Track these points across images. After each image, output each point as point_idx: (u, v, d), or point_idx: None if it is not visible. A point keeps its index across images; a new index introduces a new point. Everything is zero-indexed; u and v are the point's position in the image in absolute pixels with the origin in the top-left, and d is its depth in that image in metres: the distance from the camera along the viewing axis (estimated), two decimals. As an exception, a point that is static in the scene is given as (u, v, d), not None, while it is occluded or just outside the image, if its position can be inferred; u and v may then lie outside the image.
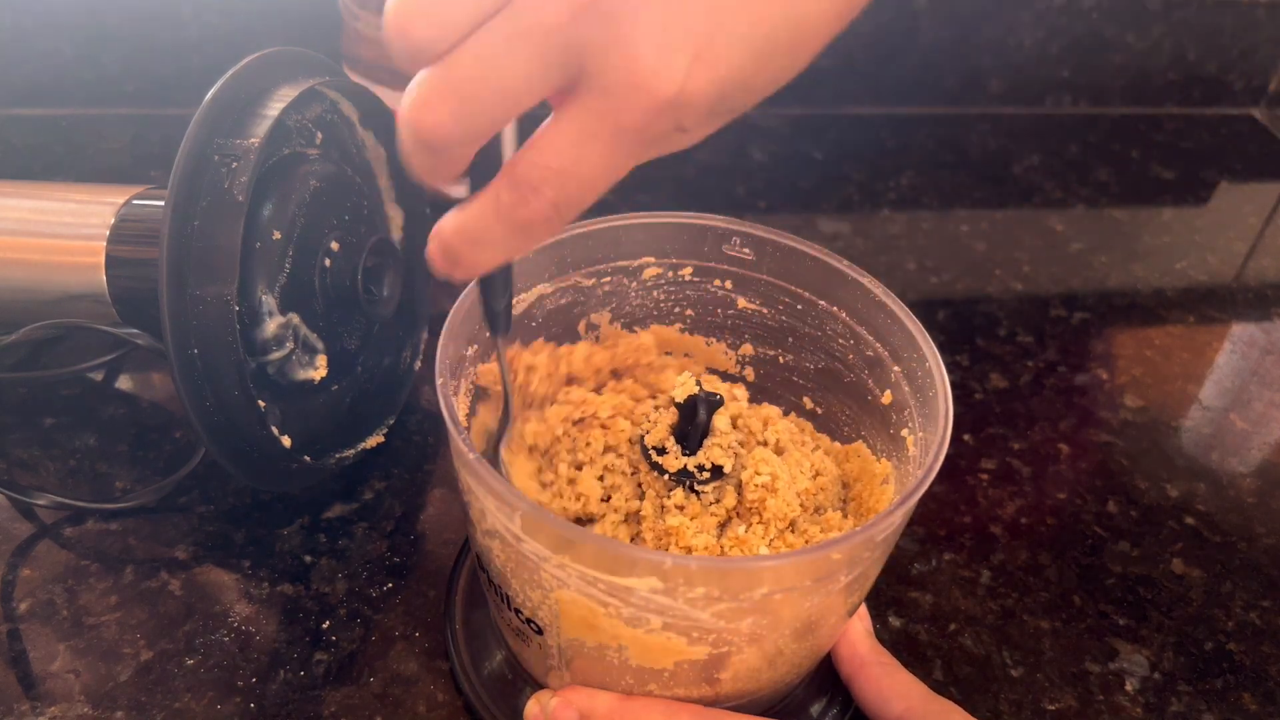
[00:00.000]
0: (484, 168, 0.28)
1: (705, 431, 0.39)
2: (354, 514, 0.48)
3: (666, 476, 0.39)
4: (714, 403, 0.38)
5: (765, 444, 0.41)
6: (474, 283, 0.35)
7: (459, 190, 0.29)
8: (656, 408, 0.41)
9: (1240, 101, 0.94)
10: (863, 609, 0.42)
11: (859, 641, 0.40)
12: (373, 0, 0.64)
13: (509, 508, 0.31)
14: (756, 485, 0.38)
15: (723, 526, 0.38)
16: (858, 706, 0.40)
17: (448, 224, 0.29)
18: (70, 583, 0.44)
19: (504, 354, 0.37)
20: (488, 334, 0.37)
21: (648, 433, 0.40)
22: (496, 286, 0.34)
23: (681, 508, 0.38)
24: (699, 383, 0.39)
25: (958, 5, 0.82)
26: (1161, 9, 0.86)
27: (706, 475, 0.38)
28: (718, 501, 0.38)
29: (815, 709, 0.41)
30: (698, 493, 0.38)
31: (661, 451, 0.39)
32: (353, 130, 0.49)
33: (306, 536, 0.47)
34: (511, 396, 0.39)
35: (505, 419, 0.39)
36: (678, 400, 0.39)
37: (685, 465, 0.38)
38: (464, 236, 0.28)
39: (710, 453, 0.38)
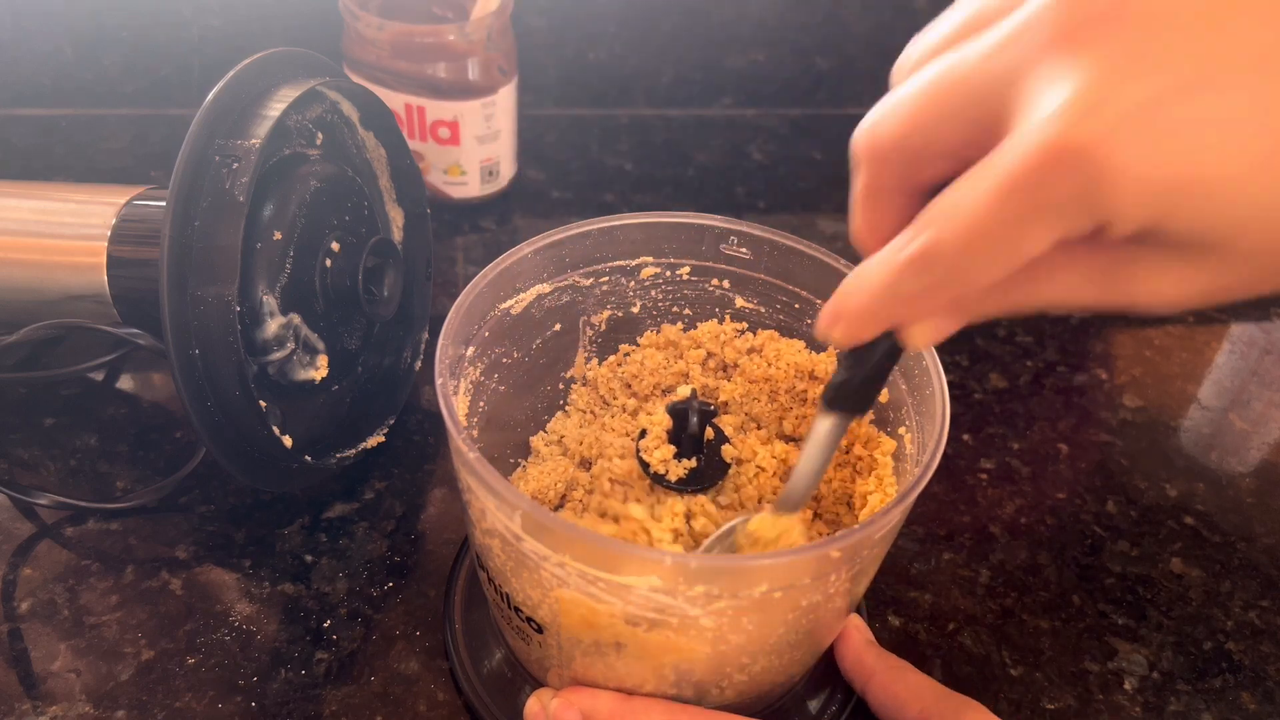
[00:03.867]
0: None
1: (699, 439, 0.39)
2: (354, 514, 0.49)
3: (662, 485, 0.39)
4: (707, 413, 0.38)
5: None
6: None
7: None
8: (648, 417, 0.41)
9: (1239, 101, 0.94)
10: (859, 621, 0.42)
11: (863, 653, 0.40)
12: (373, 1, 0.64)
13: (509, 507, 0.31)
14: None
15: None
16: (863, 705, 0.40)
17: (849, 277, 0.26)
18: (71, 582, 0.44)
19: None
20: (839, 407, 0.31)
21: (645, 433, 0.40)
22: (868, 357, 0.29)
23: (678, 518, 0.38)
24: (694, 392, 0.39)
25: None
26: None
27: (701, 483, 0.38)
28: (722, 508, 0.38)
29: (814, 705, 0.41)
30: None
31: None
32: (353, 131, 0.50)
33: (307, 536, 0.47)
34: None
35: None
36: (670, 410, 0.39)
37: (680, 473, 0.38)
38: (852, 283, 0.25)
39: (705, 459, 0.38)
